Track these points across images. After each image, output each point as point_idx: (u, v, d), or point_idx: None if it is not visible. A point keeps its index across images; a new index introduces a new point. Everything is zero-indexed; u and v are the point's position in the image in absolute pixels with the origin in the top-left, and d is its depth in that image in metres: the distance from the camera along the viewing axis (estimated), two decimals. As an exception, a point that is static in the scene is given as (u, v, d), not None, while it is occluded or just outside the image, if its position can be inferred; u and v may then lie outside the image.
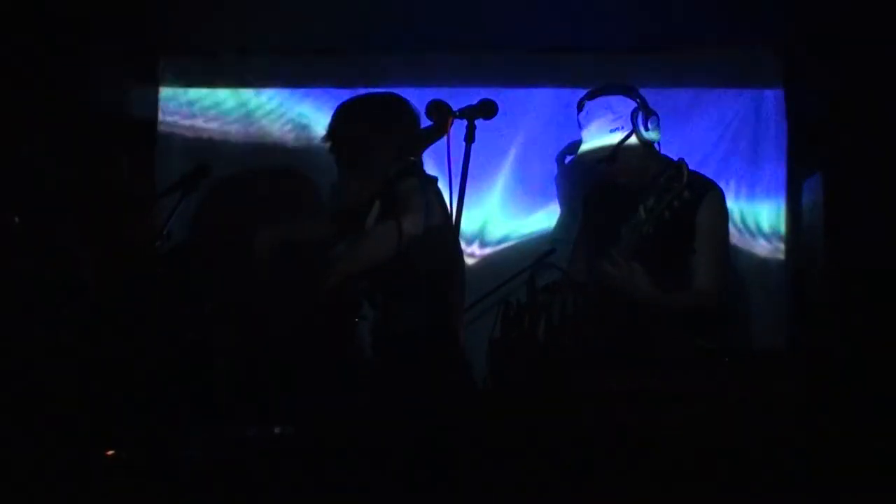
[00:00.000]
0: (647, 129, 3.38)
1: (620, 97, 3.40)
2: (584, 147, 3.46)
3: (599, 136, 3.40)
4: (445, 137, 2.92)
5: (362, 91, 3.93)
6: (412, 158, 3.38)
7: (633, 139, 3.37)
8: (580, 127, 3.51)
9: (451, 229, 3.19)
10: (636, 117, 3.37)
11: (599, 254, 3.32)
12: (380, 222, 3.31)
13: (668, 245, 3.20)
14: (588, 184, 3.84)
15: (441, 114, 3.15)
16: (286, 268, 3.58)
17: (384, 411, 3.11)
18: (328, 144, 3.53)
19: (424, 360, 3.14)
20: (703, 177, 3.46)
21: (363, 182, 3.45)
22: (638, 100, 3.41)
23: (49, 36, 3.88)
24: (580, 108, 3.51)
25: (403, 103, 3.50)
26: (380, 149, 3.38)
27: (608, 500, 2.75)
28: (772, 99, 4.38)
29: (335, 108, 3.56)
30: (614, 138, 3.36)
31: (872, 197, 3.82)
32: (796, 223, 4.30)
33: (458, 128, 2.92)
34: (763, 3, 3.87)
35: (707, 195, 3.34)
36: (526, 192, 4.47)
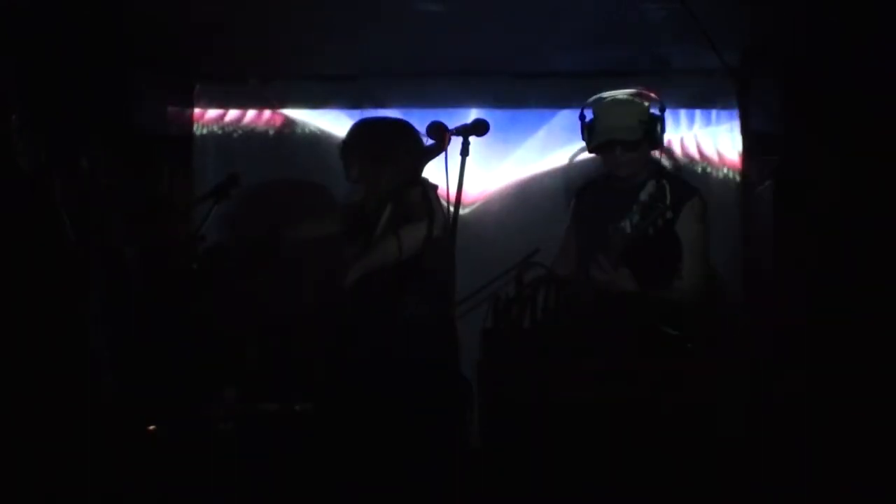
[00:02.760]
0: (661, 134, 3.28)
1: (650, 100, 3.30)
2: (609, 127, 3.25)
3: (628, 125, 3.22)
4: (444, 152, 2.95)
5: (370, 112, 4.01)
6: (418, 170, 3.37)
7: (646, 138, 3.24)
8: (591, 116, 3.33)
9: (449, 231, 3.15)
10: (658, 121, 3.25)
11: (588, 252, 3.28)
12: (390, 226, 3.31)
13: (652, 252, 3.11)
14: (580, 183, 3.72)
15: (440, 133, 3.11)
16: (303, 263, 3.57)
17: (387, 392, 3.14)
18: (343, 156, 3.49)
19: (425, 344, 3.18)
20: (685, 183, 3.35)
21: (373, 190, 3.44)
22: (659, 106, 3.29)
23: (103, 66, 3.90)
24: (598, 101, 3.32)
25: (410, 127, 3.47)
26: (389, 163, 3.38)
27: (585, 468, 2.79)
28: (727, 117, 4.43)
29: (351, 126, 3.52)
30: (639, 130, 3.21)
31: (816, 200, 3.87)
32: (750, 224, 4.33)
33: (453, 144, 2.93)
34: (719, 33, 3.85)
35: (687, 203, 3.20)
36: (515, 198, 4.55)
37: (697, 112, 4.51)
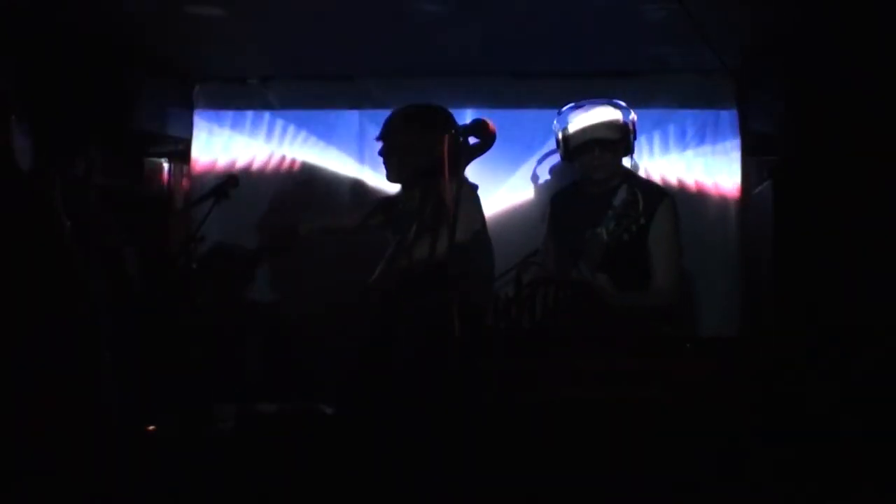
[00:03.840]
0: (633, 142, 3.42)
1: (622, 108, 3.45)
2: (588, 129, 3.40)
3: (606, 126, 3.38)
4: (444, 153, 2.82)
5: (368, 112, 3.96)
6: (458, 168, 3.16)
7: (622, 141, 3.40)
8: (566, 124, 3.46)
9: (486, 232, 3.26)
10: (631, 128, 3.40)
11: (565, 256, 3.35)
12: (427, 226, 3.24)
13: (628, 255, 3.23)
14: (556, 186, 3.81)
15: (483, 130, 2.95)
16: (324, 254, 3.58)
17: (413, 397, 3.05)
18: (380, 148, 3.45)
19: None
20: (655, 186, 3.46)
21: (404, 185, 3.42)
22: (630, 115, 3.44)
23: (102, 68, 3.93)
24: (573, 109, 3.48)
25: (446, 114, 3.41)
26: (425, 153, 3.27)
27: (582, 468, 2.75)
28: (727, 117, 4.41)
29: (388, 116, 3.47)
30: (617, 132, 3.37)
31: (815, 201, 3.86)
32: (749, 225, 4.32)
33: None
34: (719, 33, 3.85)
35: (660, 206, 3.33)
36: (514, 198, 4.52)
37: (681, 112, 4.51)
